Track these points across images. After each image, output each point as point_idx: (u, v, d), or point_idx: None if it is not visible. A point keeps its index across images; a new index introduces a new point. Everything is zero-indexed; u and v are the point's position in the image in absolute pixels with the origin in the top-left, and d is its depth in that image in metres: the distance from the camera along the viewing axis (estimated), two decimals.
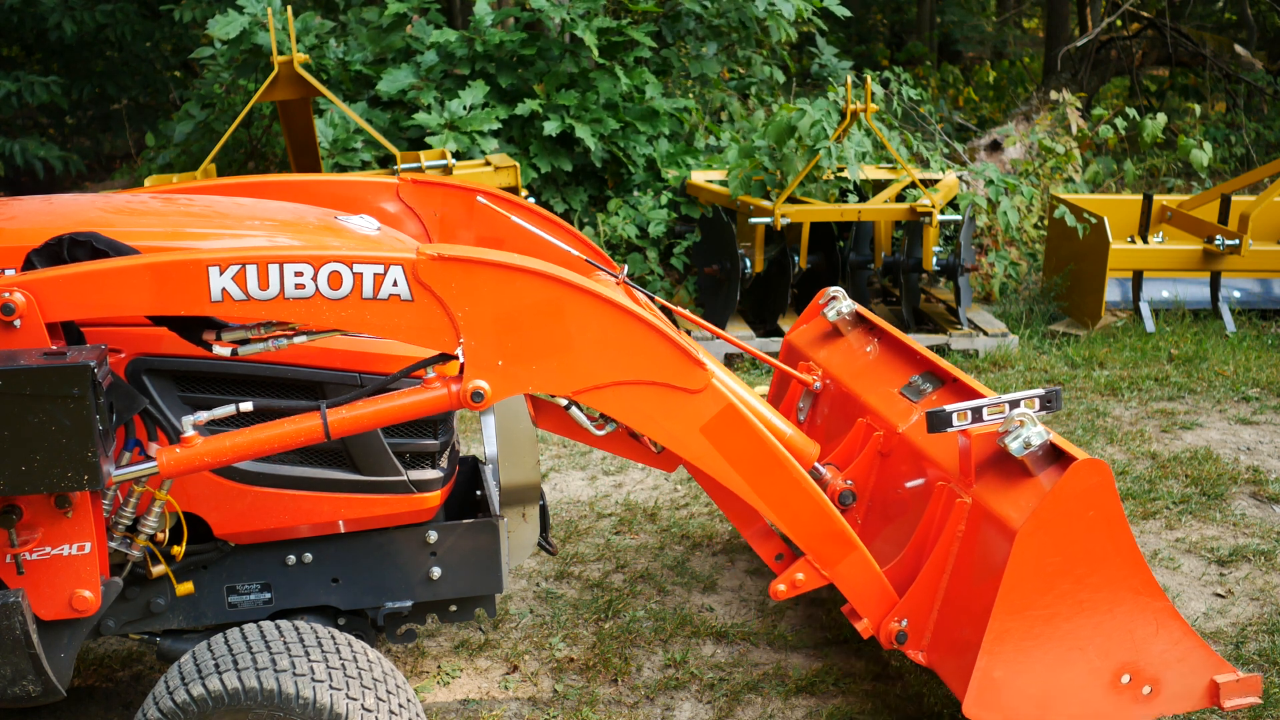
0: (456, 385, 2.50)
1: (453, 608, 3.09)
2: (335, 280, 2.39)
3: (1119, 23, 12.66)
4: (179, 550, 2.74)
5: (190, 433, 2.49)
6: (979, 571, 2.83)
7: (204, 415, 2.50)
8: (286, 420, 2.49)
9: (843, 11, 8.76)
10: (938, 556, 2.93)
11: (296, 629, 2.46)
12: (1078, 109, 9.81)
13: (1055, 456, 2.79)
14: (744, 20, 8.69)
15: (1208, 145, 9.85)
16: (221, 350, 2.55)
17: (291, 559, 2.90)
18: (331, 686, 2.35)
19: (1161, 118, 9.93)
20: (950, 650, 2.90)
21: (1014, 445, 2.76)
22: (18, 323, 2.31)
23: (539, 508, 3.12)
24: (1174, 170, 10.94)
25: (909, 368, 3.48)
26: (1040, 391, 2.84)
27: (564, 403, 2.88)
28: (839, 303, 3.80)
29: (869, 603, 2.96)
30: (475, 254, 2.46)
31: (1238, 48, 12.89)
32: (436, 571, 2.97)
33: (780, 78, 9.57)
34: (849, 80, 7.04)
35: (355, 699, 2.35)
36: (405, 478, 2.87)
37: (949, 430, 2.84)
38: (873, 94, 7.11)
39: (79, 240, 2.47)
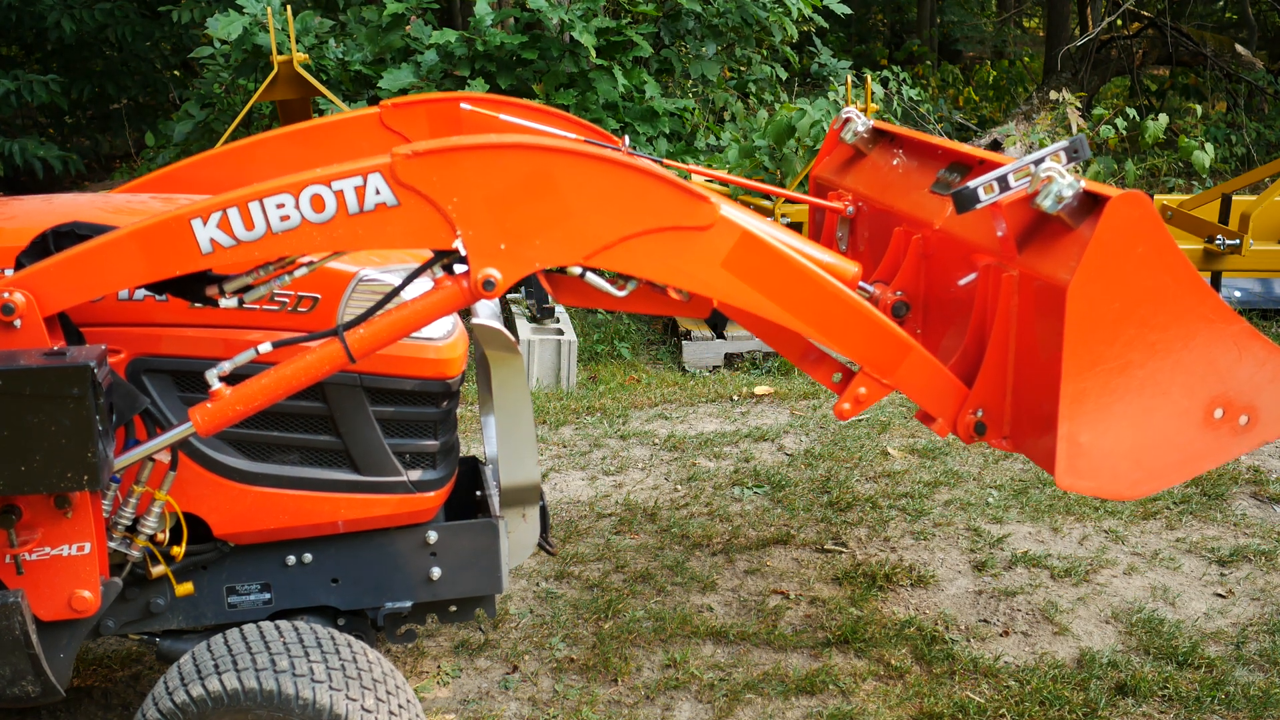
0: (467, 280, 2.44)
1: (453, 608, 3.08)
2: (318, 203, 2.34)
3: (1119, 22, 12.67)
4: (179, 550, 2.74)
5: (217, 385, 2.44)
6: (1042, 341, 2.71)
7: (227, 365, 2.46)
8: (307, 352, 2.45)
9: (843, 10, 8.77)
10: (998, 337, 2.81)
11: (296, 629, 2.46)
12: (1078, 109, 9.81)
13: (1093, 204, 2.62)
14: (746, 19, 8.69)
15: (1209, 146, 9.85)
16: (228, 302, 2.53)
17: (291, 559, 2.89)
18: (331, 687, 2.34)
19: (1163, 119, 9.93)
20: (1032, 429, 2.79)
21: (1047, 203, 2.60)
22: (18, 323, 2.31)
23: (539, 508, 3.11)
24: (1175, 170, 10.94)
25: (936, 164, 3.33)
26: (1064, 143, 2.67)
27: (578, 271, 2.78)
28: (854, 123, 3.68)
29: (938, 400, 2.83)
30: (451, 142, 2.40)
31: (1238, 47, 12.90)
32: (436, 572, 2.96)
33: (783, 74, 9.58)
34: (849, 80, 7.05)
35: (355, 699, 2.35)
36: (405, 478, 2.87)
37: (979, 206, 2.67)
38: (872, 94, 7.11)
39: (62, 232, 2.46)
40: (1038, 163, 2.64)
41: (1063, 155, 2.64)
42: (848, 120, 3.71)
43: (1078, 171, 2.71)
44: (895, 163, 3.54)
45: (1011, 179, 2.65)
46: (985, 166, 3.07)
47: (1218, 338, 2.69)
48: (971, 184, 2.66)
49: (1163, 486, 2.80)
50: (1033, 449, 2.81)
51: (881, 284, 3.29)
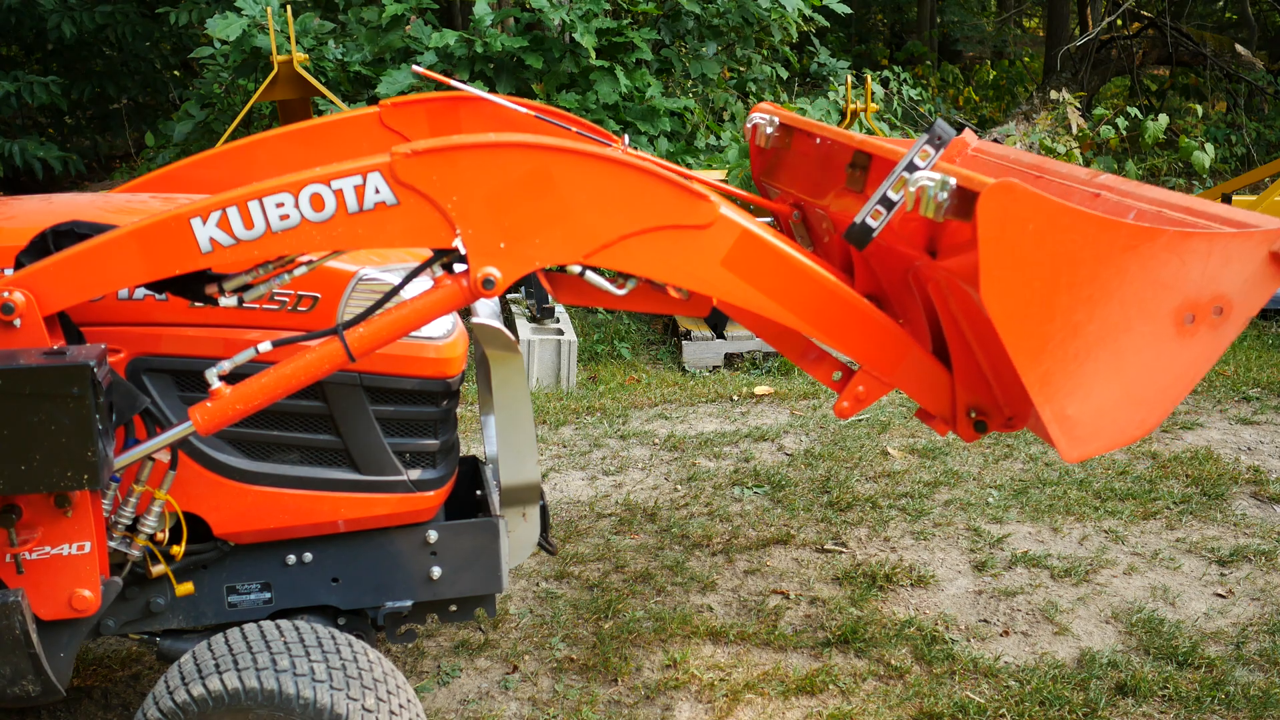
0: (466, 279, 2.43)
1: (453, 608, 3.08)
2: (317, 202, 2.35)
3: (1119, 22, 12.67)
4: (179, 550, 2.74)
5: (216, 384, 2.43)
6: (991, 333, 2.66)
7: (227, 365, 2.46)
8: (306, 351, 2.45)
9: (843, 10, 8.77)
10: (952, 337, 2.79)
11: (296, 629, 2.46)
12: (1078, 108, 9.81)
13: (972, 195, 2.53)
14: (746, 19, 8.69)
15: (1210, 147, 9.85)
16: (228, 301, 2.53)
17: (291, 559, 2.89)
18: (332, 687, 2.34)
19: (1163, 119, 9.93)
20: (1028, 404, 2.73)
21: (930, 212, 2.53)
22: (17, 322, 2.31)
23: (539, 508, 3.11)
24: (1175, 170, 10.94)
25: (843, 158, 3.25)
26: (925, 136, 2.62)
27: (578, 270, 2.78)
28: (763, 127, 3.62)
29: (937, 398, 2.83)
30: (450, 141, 2.40)
31: (1238, 47, 12.90)
32: (436, 571, 2.96)
33: (783, 74, 9.58)
34: (849, 80, 7.05)
35: (355, 699, 2.35)
36: (405, 477, 2.87)
37: (873, 237, 2.63)
38: (873, 93, 7.11)
39: (61, 231, 2.46)
40: (911, 168, 2.59)
41: (929, 150, 2.60)
42: (756, 125, 3.65)
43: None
44: (817, 143, 3.46)
45: (891, 194, 2.61)
46: (877, 161, 3.02)
47: (1150, 258, 2.61)
48: (858, 218, 2.62)
49: (1169, 411, 2.74)
50: (1035, 427, 2.79)
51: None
